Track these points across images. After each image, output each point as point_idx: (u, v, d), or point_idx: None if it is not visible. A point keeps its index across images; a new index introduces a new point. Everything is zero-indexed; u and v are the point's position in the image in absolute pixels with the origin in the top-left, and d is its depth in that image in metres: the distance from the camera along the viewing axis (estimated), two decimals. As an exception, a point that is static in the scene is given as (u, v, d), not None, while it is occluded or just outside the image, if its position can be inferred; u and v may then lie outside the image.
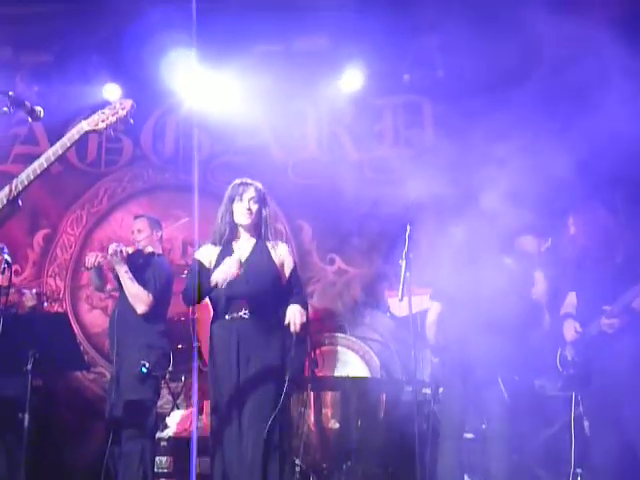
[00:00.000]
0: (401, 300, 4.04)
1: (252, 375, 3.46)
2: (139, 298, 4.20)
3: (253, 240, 3.64)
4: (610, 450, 3.76)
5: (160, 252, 4.51)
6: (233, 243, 3.62)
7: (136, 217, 4.67)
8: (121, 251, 4.15)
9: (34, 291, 4.85)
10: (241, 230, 3.63)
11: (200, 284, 3.55)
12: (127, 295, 4.22)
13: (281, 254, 3.66)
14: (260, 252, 3.62)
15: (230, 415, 3.44)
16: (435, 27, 5.27)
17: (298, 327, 3.48)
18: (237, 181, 3.68)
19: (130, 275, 4.20)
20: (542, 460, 4.18)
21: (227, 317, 3.56)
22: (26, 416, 3.91)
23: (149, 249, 4.41)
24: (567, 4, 4.62)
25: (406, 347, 4.71)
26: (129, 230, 4.70)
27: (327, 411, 4.47)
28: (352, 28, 5.41)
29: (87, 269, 4.30)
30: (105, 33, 5.39)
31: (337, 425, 4.39)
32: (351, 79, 5.87)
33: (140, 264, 4.30)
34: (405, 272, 4.00)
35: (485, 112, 5.21)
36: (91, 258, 4.24)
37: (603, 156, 4.49)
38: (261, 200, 3.64)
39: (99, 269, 4.35)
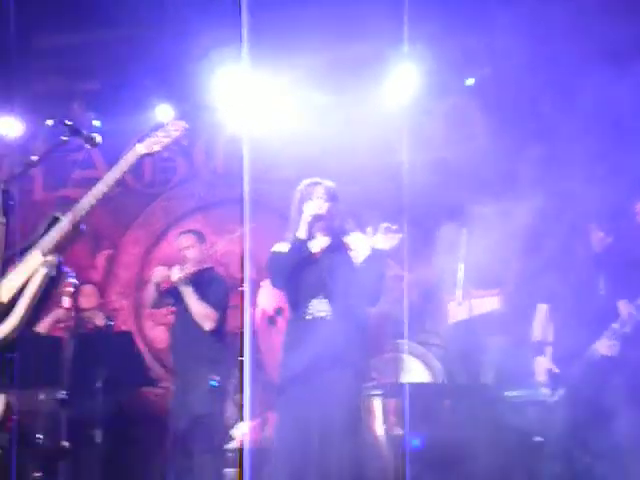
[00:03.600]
0: (460, 304, 4.02)
1: (333, 380, 3.37)
2: (206, 316, 4.34)
3: (327, 238, 3.60)
4: None
5: (211, 266, 4.59)
6: (308, 243, 3.56)
7: (181, 233, 4.77)
8: (186, 273, 4.28)
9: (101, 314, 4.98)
10: (314, 229, 3.56)
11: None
12: (193, 313, 4.32)
13: (356, 245, 3.60)
14: (336, 249, 3.57)
15: (306, 422, 3.38)
16: (485, 27, 5.22)
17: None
18: (306, 181, 3.68)
19: (196, 295, 4.31)
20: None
21: (307, 317, 3.50)
22: (98, 432, 4.04)
23: (205, 265, 4.51)
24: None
25: (468, 351, 4.69)
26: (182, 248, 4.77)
27: (391, 418, 4.45)
28: (398, 33, 5.41)
29: (155, 284, 4.42)
30: (155, 55, 5.51)
31: (401, 432, 4.37)
32: (401, 84, 5.87)
33: (200, 281, 4.40)
34: (463, 275, 3.98)
35: (539, 113, 5.13)
36: (158, 272, 4.38)
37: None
38: (331, 198, 3.61)
39: (158, 285, 4.46)
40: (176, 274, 4.35)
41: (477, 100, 5.99)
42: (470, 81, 5.95)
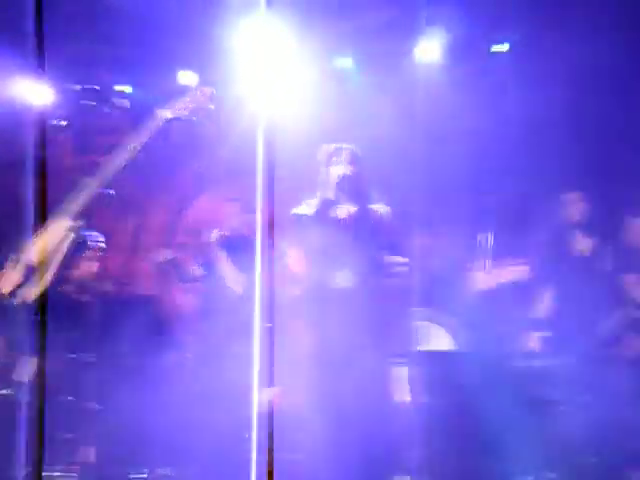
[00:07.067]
0: (486, 273, 3.99)
1: (358, 350, 3.43)
2: (238, 282, 4.37)
3: (353, 205, 3.58)
4: None
5: (247, 234, 4.62)
6: (334, 209, 3.57)
7: (228, 200, 4.79)
8: (220, 236, 4.32)
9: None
10: (339, 193, 3.55)
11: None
12: (225, 278, 4.38)
13: (379, 215, 3.63)
14: (362, 218, 3.60)
15: (332, 390, 3.40)
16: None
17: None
18: (330, 145, 3.68)
19: (228, 260, 4.36)
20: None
21: (333, 286, 3.54)
22: (125, 395, 4.08)
23: (242, 231, 4.55)
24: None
25: (492, 320, 4.68)
26: (217, 212, 4.83)
27: (414, 386, 4.48)
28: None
29: (161, 263, 4.47)
30: (182, 21, 5.49)
31: (424, 399, 4.39)
32: (427, 49, 5.78)
33: (235, 248, 4.44)
34: (489, 244, 3.95)
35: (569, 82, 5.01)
36: (163, 254, 4.43)
37: None
38: (356, 162, 3.61)
39: (174, 261, 4.50)
40: (214, 235, 4.41)
41: (506, 67, 5.88)
42: (499, 47, 5.84)
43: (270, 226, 4.56)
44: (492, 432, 3.83)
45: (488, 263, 4.03)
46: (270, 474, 3.51)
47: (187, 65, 5.93)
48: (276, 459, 4.44)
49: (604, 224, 4.33)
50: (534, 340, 4.33)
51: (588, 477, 3.90)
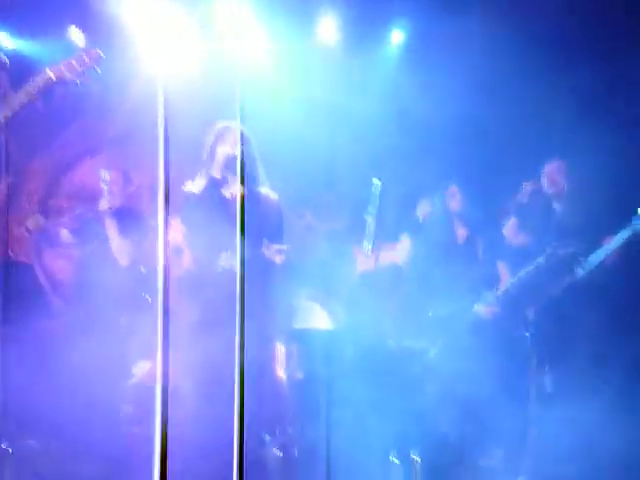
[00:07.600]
0: (368, 255, 4.12)
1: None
2: (124, 252, 4.29)
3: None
4: None
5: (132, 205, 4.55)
6: (221, 189, 3.55)
7: (108, 168, 4.68)
8: (110, 207, 4.24)
9: None
10: (227, 174, 3.52)
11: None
12: (112, 247, 4.30)
13: (265, 197, 3.64)
14: (249, 198, 3.54)
15: (209, 366, 3.40)
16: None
17: None
18: (219, 125, 3.66)
19: (117, 230, 4.28)
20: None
21: (218, 270, 3.54)
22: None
23: (127, 201, 4.47)
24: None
25: (370, 301, 4.83)
26: (98, 180, 4.70)
27: (292, 363, 4.56)
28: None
29: (28, 231, 4.34)
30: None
31: (302, 376, 4.48)
32: (325, 32, 5.80)
33: (121, 217, 4.36)
34: (372, 227, 4.07)
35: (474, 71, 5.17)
36: (33, 221, 4.29)
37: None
38: (245, 142, 3.60)
39: (46, 227, 4.37)
40: (104, 204, 4.31)
41: (401, 57, 5.98)
42: (396, 37, 5.93)
43: (161, 199, 4.49)
44: (361, 409, 3.97)
45: (370, 245, 4.14)
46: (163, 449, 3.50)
47: (75, 23, 5.68)
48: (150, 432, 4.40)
49: (479, 215, 4.55)
50: (412, 321, 4.50)
51: (450, 454, 4.12)
